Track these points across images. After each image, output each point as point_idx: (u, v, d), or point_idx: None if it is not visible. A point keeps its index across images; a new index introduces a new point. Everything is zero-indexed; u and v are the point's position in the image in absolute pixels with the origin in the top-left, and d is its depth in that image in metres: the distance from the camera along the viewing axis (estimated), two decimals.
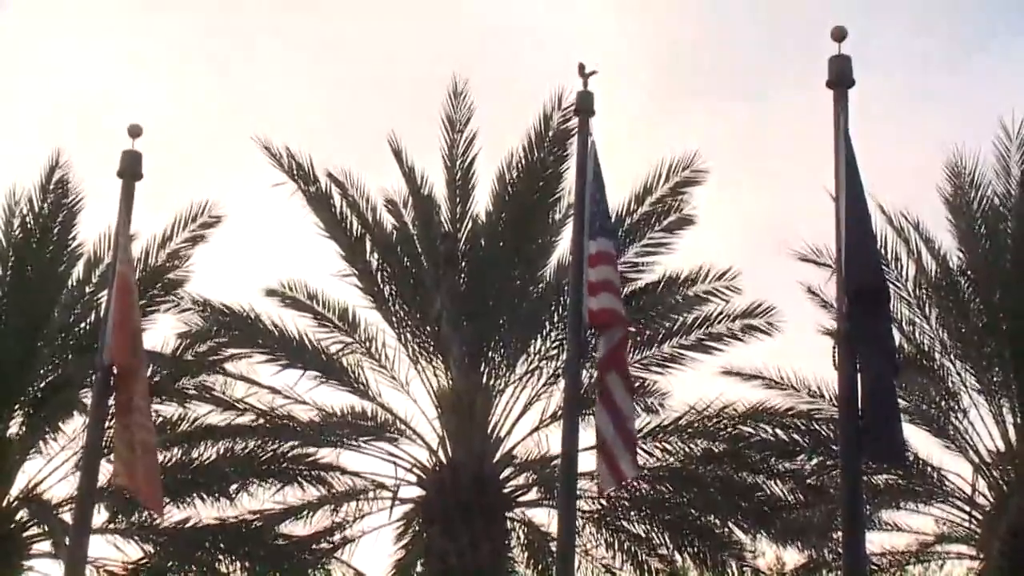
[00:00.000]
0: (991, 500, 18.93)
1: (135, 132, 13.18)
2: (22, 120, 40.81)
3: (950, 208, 19.53)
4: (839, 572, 17.84)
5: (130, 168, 13.07)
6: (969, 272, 19.33)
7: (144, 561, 19.33)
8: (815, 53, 11.64)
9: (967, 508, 19.07)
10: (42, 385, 18.86)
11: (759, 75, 45.81)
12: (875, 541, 19.48)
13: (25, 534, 18.64)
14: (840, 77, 11.26)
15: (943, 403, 19.13)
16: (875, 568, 20.37)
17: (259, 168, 19.20)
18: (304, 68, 44.03)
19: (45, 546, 18.67)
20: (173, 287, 19.19)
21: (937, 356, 19.20)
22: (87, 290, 19.08)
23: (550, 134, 18.63)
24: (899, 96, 39.38)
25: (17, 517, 18.58)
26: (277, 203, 19.42)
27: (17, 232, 19.06)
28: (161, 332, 18.88)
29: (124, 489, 13.35)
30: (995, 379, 18.97)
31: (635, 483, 18.46)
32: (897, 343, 16.71)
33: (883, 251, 18.35)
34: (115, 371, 12.20)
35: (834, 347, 10.61)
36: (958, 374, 19.11)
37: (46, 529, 18.45)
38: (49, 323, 18.83)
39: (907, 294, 19.26)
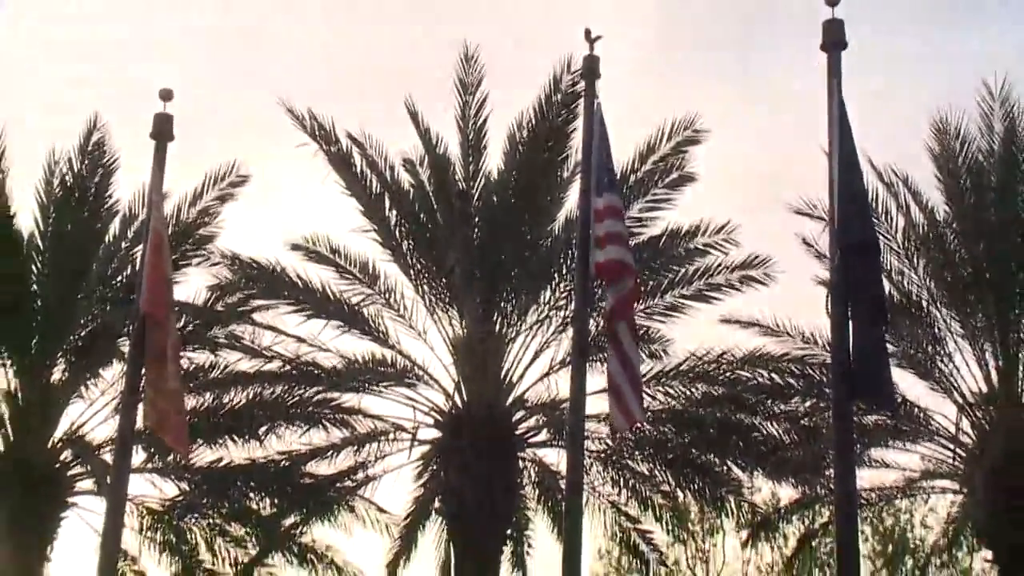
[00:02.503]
0: (974, 438, 18.99)
1: (166, 96, 13.19)
2: (60, 86, 40.78)
3: (937, 164, 19.50)
4: (831, 506, 17.88)
5: (162, 130, 13.09)
6: (955, 224, 19.32)
7: (180, 498, 19.50)
8: (810, 16, 11.58)
9: (951, 446, 19.10)
10: (83, 334, 18.95)
11: (756, 38, 45.63)
12: (865, 477, 19.57)
13: (69, 473, 18.79)
14: (833, 40, 11.20)
15: (929, 348, 19.15)
16: (864, 502, 20.46)
17: (284, 130, 19.19)
18: (323, 36, 43.92)
19: (88, 484, 18.82)
20: (204, 242, 19.26)
21: (924, 304, 19.21)
22: (123, 245, 19.17)
23: (558, 96, 18.54)
24: (891, 56, 39.13)
25: (62, 457, 18.72)
26: (301, 163, 19.43)
27: (58, 191, 19.12)
28: (193, 285, 18.99)
29: (153, 432, 13.43)
30: (978, 325, 18.99)
31: (640, 425, 18.55)
32: (886, 292, 16.73)
33: (874, 205, 18.31)
34: (148, 321, 12.25)
35: (827, 296, 10.62)
36: (944, 321, 19.13)
37: (88, 468, 18.59)
38: (88, 276, 18.92)
39: (896, 246, 19.25)
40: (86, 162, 19.15)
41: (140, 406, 12.33)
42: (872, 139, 18.12)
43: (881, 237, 17.86)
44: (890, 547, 28.88)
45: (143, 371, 12.33)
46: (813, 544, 22.72)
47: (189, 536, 19.93)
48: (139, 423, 12.67)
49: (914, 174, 19.42)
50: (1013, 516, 18.14)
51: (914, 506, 26.77)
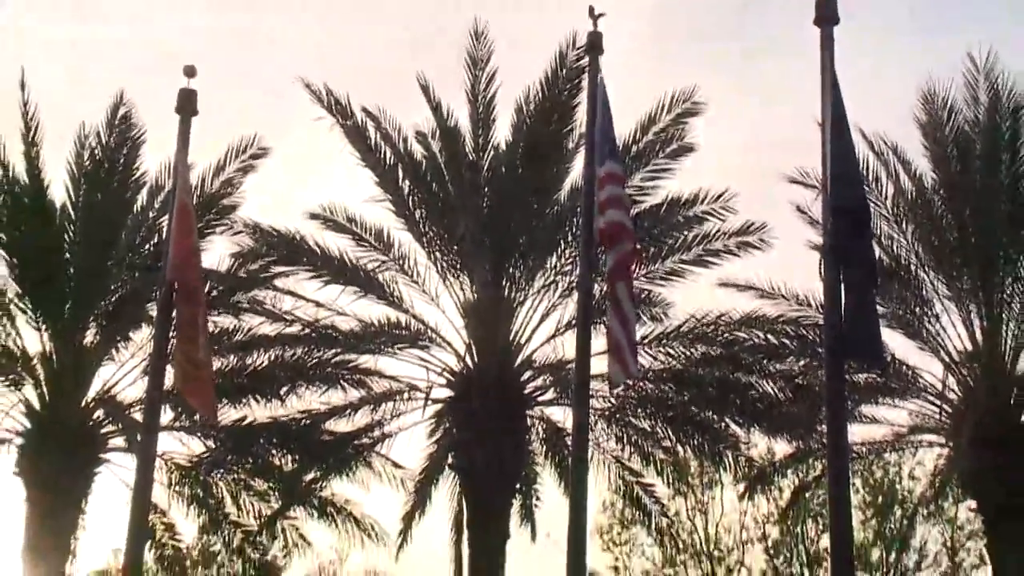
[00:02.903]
0: (959, 394, 19.04)
1: (190, 72, 13.15)
2: (88, 64, 40.74)
3: (925, 133, 19.49)
4: (823, 460, 17.93)
5: (186, 105, 13.06)
6: (942, 191, 19.32)
7: (206, 455, 19.58)
8: None
9: (938, 402, 19.15)
10: (113, 299, 19.00)
11: (751, 14, 45.40)
12: (856, 432, 19.59)
13: (102, 431, 18.87)
14: (826, 16, 11.15)
15: (917, 309, 19.17)
16: (855, 456, 20.51)
17: (302, 105, 19.18)
18: (341, 13, 43.75)
19: (119, 442, 18.92)
20: (227, 212, 19.29)
21: (913, 267, 19.23)
22: (150, 215, 19.21)
23: (564, 71, 18.50)
24: (883, 29, 38.98)
25: (95, 416, 18.81)
26: (318, 136, 19.42)
27: (87, 163, 19.14)
28: (217, 252, 18.99)
29: (183, 396, 13.47)
30: (964, 287, 19.01)
31: (641, 383, 18.58)
32: (877, 256, 16.72)
33: (865, 173, 18.31)
34: (176, 288, 12.26)
35: (820, 260, 10.60)
36: (931, 283, 19.16)
37: (120, 427, 18.68)
38: (118, 244, 18.97)
39: (886, 211, 19.26)
40: (114, 135, 19.18)
41: (168, 369, 12.36)
42: (863, 109, 18.10)
43: (872, 203, 17.88)
44: (880, 498, 28.93)
45: (171, 336, 12.37)
46: (807, 496, 22.80)
47: (215, 490, 20.03)
48: (167, 384, 12.71)
49: (903, 143, 19.48)
50: (996, 468, 18.21)
51: (902, 459, 26.84)
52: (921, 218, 19.24)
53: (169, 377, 12.43)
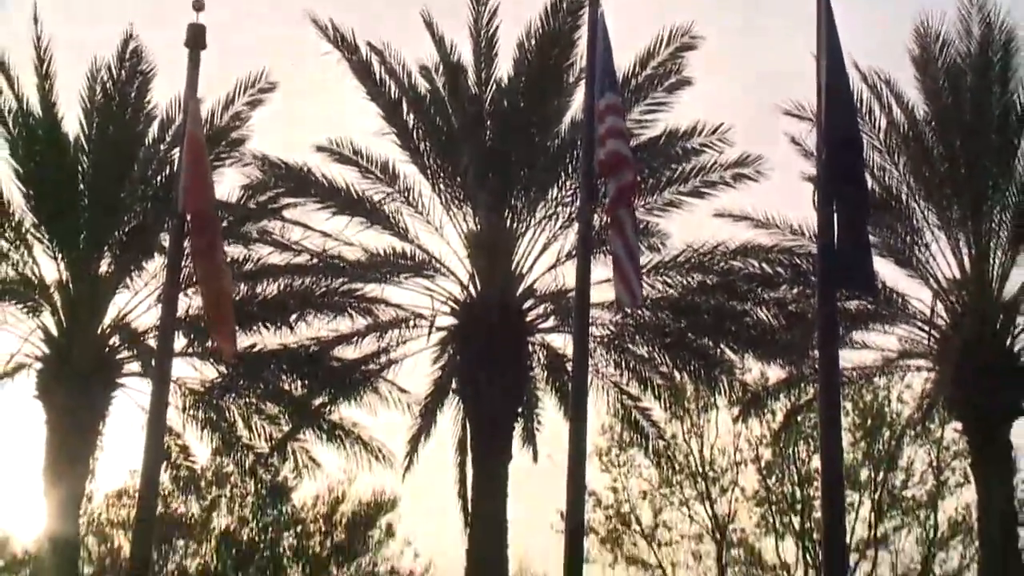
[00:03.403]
0: (947, 320, 19.11)
1: (199, 6, 13.05)
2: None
3: (917, 66, 19.36)
4: (815, 384, 18.02)
5: (196, 39, 12.97)
6: (933, 123, 19.24)
7: (218, 380, 19.69)
8: None
9: (926, 328, 19.23)
10: (126, 230, 19.00)
11: None
12: (847, 358, 19.65)
13: (118, 357, 18.96)
14: None
15: (908, 238, 19.17)
16: (846, 380, 20.61)
17: (309, 39, 19.06)
18: None
19: (135, 367, 19.01)
20: (236, 145, 19.22)
21: (904, 197, 19.20)
22: (161, 148, 19.14)
23: (564, 5, 18.36)
24: None
25: (110, 343, 18.88)
26: (325, 71, 19.32)
27: (99, 97, 19.04)
28: (226, 184, 18.95)
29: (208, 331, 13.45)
30: (954, 216, 19.01)
31: (639, 311, 18.61)
32: (869, 186, 16.67)
33: (858, 105, 18.20)
34: (190, 219, 12.24)
35: (814, 191, 10.58)
36: (922, 212, 19.14)
37: (135, 353, 18.77)
38: (130, 176, 18.94)
39: (879, 143, 19.21)
40: (124, 69, 19.05)
41: (181, 296, 12.38)
42: (858, 44, 17.93)
43: (865, 135, 17.80)
44: (869, 421, 29.09)
45: (184, 266, 12.38)
46: (798, 419, 22.91)
47: (228, 414, 20.16)
48: (181, 311, 12.74)
49: (895, 76, 19.36)
50: (981, 390, 18.33)
51: (891, 383, 26.93)
52: (913, 150, 19.18)
53: (183, 304, 12.44)
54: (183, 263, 12.66)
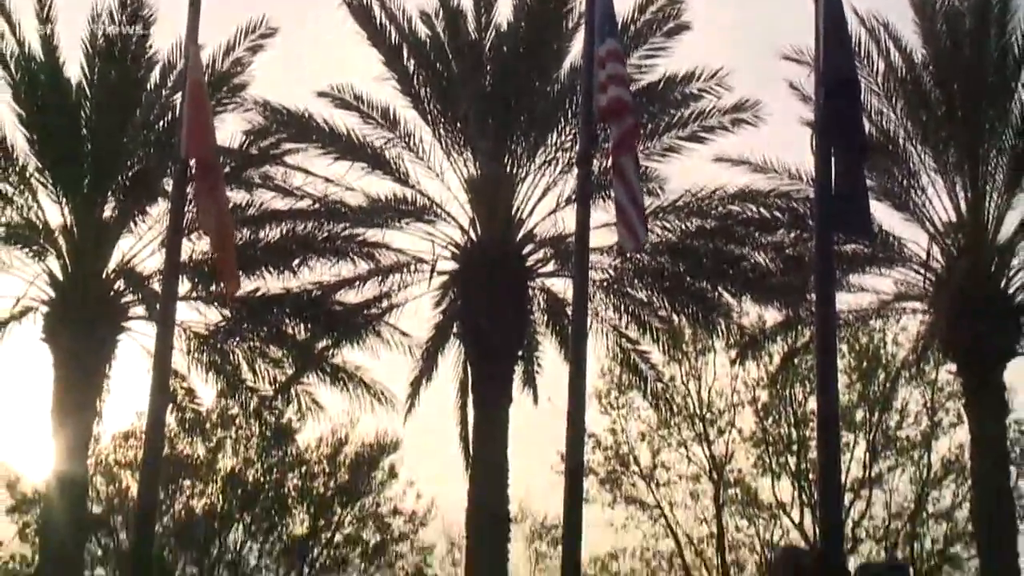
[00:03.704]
0: (942, 263, 19.12)
1: None
2: None
3: (915, 9, 19.21)
4: (812, 327, 18.03)
5: None
6: (931, 67, 19.12)
7: (223, 323, 19.70)
8: None
9: (922, 271, 19.22)
10: (129, 175, 18.93)
11: None
12: (843, 301, 19.67)
13: (123, 301, 18.97)
14: None
15: (905, 182, 19.12)
16: (842, 323, 20.63)
17: None
18: None
19: (140, 311, 19.04)
20: (237, 90, 19.09)
21: (901, 141, 19.13)
22: (163, 93, 19.02)
23: None
24: None
25: (115, 286, 18.89)
26: (326, 16, 19.15)
27: (100, 42, 18.88)
28: (228, 130, 18.83)
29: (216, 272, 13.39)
30: (950, 160, 18.95)
31: (638, 255, 18.59)
32: (867, 130, 16.58)
33: (856, 49, 18.05)
34: (193, 164, 12.16)
35: (811, 135, 10.50)
36: (918, 156, 19.09)
37: (139, 297, 18.78)
38: (132, 121, 18.84)
39: (876, 87, 19.08)
40: (125, 14, 18.87)
41: (185, 240, 12.34)
42: None
43: (862, 79, 17.68)
44: (865, 363, 29.16)
45: (185, 209, 12.31)
46: (795, 361, 22.94)
47: (232, 357, 20.18)
48: (185, 256, 12.71)
49: (893, 19, 19.22)
50: (975, 332, 18.36)
51: (887, 326, 26.94)
52: (910, 93, 19.08)
53: (186, 249, 12.39)
54: (186, 208, 12.58)
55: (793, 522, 29.51)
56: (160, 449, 12.76)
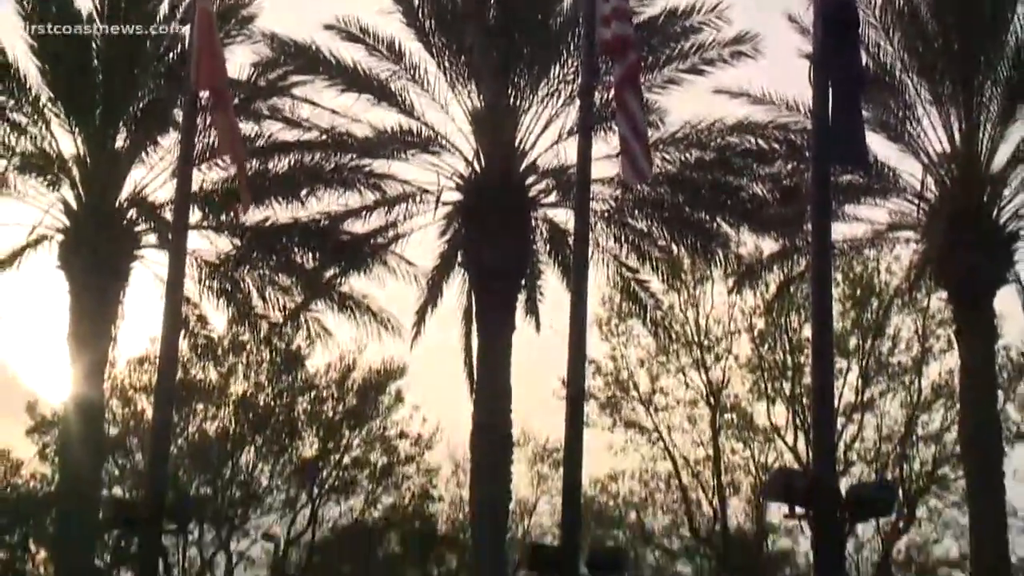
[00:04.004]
0: (936, 194, 19.09)
1: None
2: None
3: None
4: (808, 257, 18.04)
5: None
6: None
7: (233, 252, 19.74)
8: None
9: (916, 201, 19.20)
10: (140, 105, 18.89)
11: None
12: (839, 231, 19.65)
13: (136, 229, 19.00)
14: None
15: (900, 113, 19.02)
16: (838, 252, 20.64)
17: None
18: None
19: (152, 239, 19.07)
20: (245, 22, 18.97)
21: (898, 73, 19.00)
22: (173, 24, 18.87)
23: None
24: None
25: (128, 215, 18.90)
26: None
27: None
28: (236, 62, 18.72)
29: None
30: (946, 91, 18.83)
31: (638, 187, 18.55)
32: (864, 62, 16.45)
33: None
34: (207, 94, 12.13)
35: (809, 67, 10.45)
36: (915, 88, 18.97)
37: (152, 226, 18.81)
38: (143, 54, 18.72)
39: (874, 19, 18.90)
40: None
41: (195, 171, 12.35)
42: None
43: (860, 12, 17.48)
44: (859, 291, 29.20)
45: (195, 140, 12.31)
46: (791, 290, 22.96)
47: (242, 285, 20.26)
48: (195, 186, 12.71)
49: None
50: (967, 260, 18.39)
51: (881, 255, 26.93)
52: (907, 25, 18.90)
53: (196, 180, 12.41)
54: (196, 139, 12.59)
55: (787, 445, 29.76)
56: (173, 374, 12.87)
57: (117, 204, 18.73)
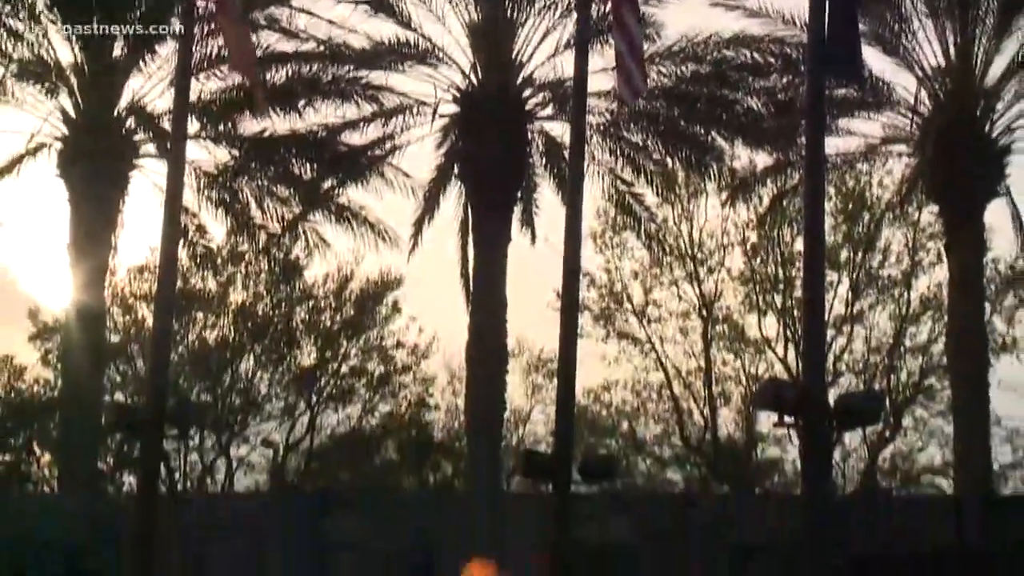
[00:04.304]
0: (929, 107, 18.99)
1: None
2: None
3: None
4: (801, 171, 17.98)
5: None
6: None
7: (231, 163, 19.65)
8: None
9: (909, 115, 19.11)
10: (138, 14, 18.65)
11: None
12: (832, 145, 19.55)
13: (134, 139, 18.89)
14: None
15: (896, 27, 18.83)
16: (831, 166, 20.56)
17: None
18: None
19: (151, 149, 18.97)
20: None
21: None
22: None
23: None
24: None
25: (127, 125, 18.78)
26: None
27: None
28: None
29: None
30: (942, 5, 18.67)
31: (642, 96, 18.41)
32: None
33: None
34: (206, 2, 11.97)
35: None
36: (911, 1, 18.75)
37: (151, 135, 18.70)
38: None
39: None
40: None
41: (194, 80, 12.24)
42: None
43: None
44: (851, 205, 29.13)
45: (193, 48, 12.18)
46: (784, 203, 22.91)
47: (241, 196, 20.22)
48: (193, 96, 12.61)
49: None
50: (959, 173, 18.38)
51: (873, 169, 26.80)
52: None
53: (194, 90, 12.31)
54: (194, 47, 12.44)
55: (778, 356, 29.87)
56: (173, 282, 12.89)
57: (115, 113, 18.62)
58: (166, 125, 17.70)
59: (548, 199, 20.47)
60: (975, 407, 18.39)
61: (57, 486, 21.25)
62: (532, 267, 22.02)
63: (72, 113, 18.49)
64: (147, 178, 19.08)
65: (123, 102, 18.68)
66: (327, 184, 20.25)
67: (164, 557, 10.12)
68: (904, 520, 11.36)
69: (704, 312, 30.58)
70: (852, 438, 29.51)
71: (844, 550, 10.03)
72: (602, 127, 19.53)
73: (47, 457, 29.83)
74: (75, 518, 12.11)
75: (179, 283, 25.49)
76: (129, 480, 27.51)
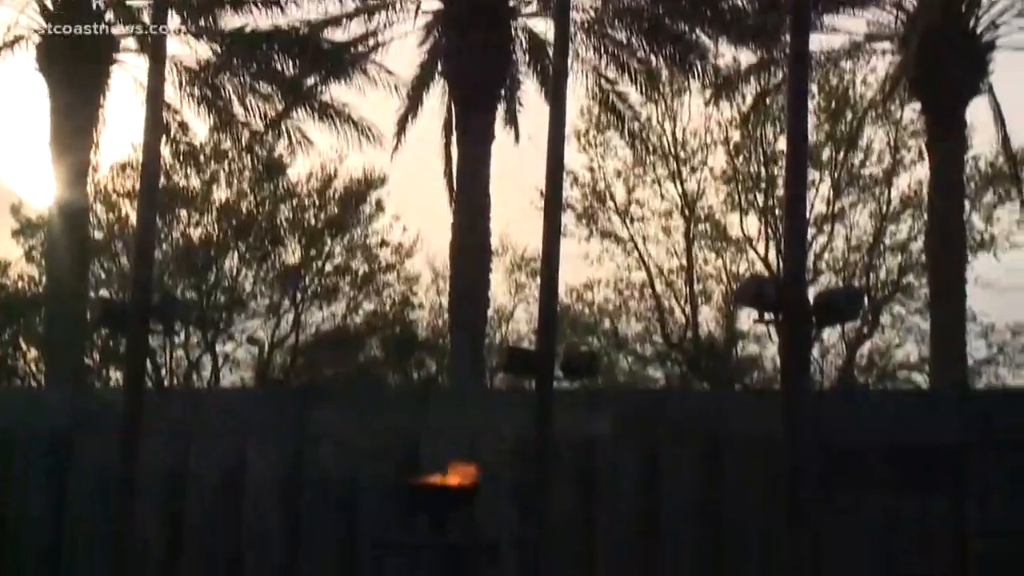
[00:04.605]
0: (914, 3, 18.83)
1: None
2: None
3: None
4: (785, 69, 17.80)
5: None
6: None
7: (213, 59, 19.36)
8: None
9: (894, 12, 18.95)
10: None
11: None
12: (816, 42, 19.37)
13: (114, 32, 18.57)
14: None
15: None
16: (815, 64, 20.38)
17: None
18: None
19: (131, 44, 18.69)
20: None
21: None
22: None
23: None
24: None
25: (106, 18, 18.45)
26: None
27: None
28: None
29: None
30: None
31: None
32: None
33: None
34: None
35: None
36: None
37: (132, 30, 18.40)
38: None
39: None
40: None
41: None
42: None
43: None
44: (834, 103, 28.97)
45: None
46: (767, 102, 22.76)
47: (223, 92, 19.97)
48: None
49: None
50: (942, 70, 18.26)
51: (857, 67, 26.60)
52: None
53: None
54: None
55: (759, 255, 29.96)
56: (156, 179, 12.74)
57: (94, 6, 18.24)
58: (146, 19, 17.38)
59: (532, 97, 20.41)
60: (951, 302, 18.52)
61: (44, 381, 21.30)
62: (516, 167, 21.90)
63: (49, 5, 18.14)
64: (128, 73, 18.84)
65: None
66: (310, 81, 20.02)
67: (150, 448, 10.18)
68: (881, 414, 11.46)
69: (686, 211, 30.58)
70: (831, 335, 29.74)
71: (822, 444, 10.13)
72: (586, 24, 19.34)
73: (33, 352, 29.87)
74: (61, 411, 12.15)
75: (162, 180, 25.35)
76: (116, 376, 27.58)
